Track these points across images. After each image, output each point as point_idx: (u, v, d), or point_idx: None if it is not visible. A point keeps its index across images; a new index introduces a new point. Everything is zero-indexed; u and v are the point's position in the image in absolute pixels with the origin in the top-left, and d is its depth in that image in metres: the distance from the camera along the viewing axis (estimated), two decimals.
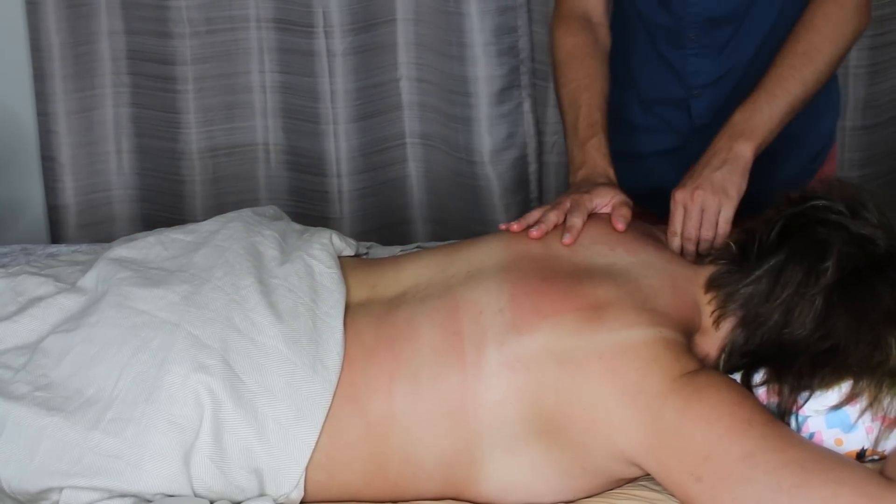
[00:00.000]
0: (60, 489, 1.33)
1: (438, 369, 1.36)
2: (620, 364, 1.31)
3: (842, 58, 1.67)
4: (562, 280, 1.40)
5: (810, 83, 1.63)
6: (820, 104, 1.76)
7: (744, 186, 1.57)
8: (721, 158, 1.57)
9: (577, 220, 1.50)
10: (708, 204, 1.55)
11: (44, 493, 1.33)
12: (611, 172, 1.63)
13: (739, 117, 1.60)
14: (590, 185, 1.58)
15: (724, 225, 1.55)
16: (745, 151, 1.58)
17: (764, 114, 1.59)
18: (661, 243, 1.53)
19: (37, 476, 1.33)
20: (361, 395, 1.37)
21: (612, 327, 1.34)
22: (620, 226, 1.50)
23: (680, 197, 1.57)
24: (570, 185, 1.62)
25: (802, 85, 1.62)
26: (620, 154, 1.68)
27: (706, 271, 1.45)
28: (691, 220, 1.56)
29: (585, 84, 1.71)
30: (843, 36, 1.65)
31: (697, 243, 1.56)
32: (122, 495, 1.32)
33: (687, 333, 1.39)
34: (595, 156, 1.63)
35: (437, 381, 1.35)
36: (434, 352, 1.37)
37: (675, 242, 1.57)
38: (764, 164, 1.63)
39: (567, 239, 1.47)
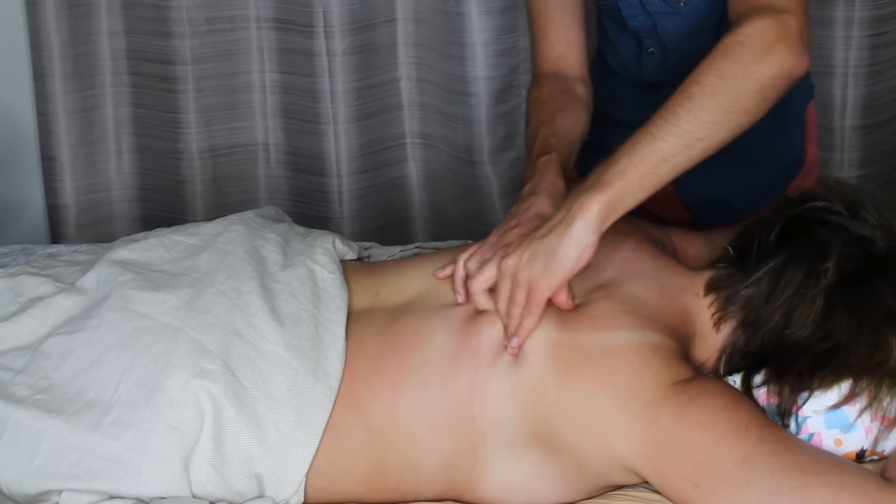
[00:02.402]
0: (60, 492, 1.33)
1: (450, 370, 1.36)
2: (610, 366, 1.32)
3: (757, 104, 1.38)
4: None
5: (695, 133, 1.36)
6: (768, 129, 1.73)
7: (575, 251, 1.36)
8: (558, 219, 1.38)
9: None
10: (529, 277, 1.37)
11: (43, 496, 1.33)
12: (557, 183, 1.55)
13: (592, 174, 1.39)
14: (526, 201, 1.53)
15: (535, 308, 1.36)
16: (589, 204, 1.35)
17: (619, 165, 1.36)
18: (657, 250, 1.53)
19: (36, 478, 1.33)
20: (364, 403, 1.37)
21: (592, 328, 1.35)
22: (568, 307, 1.39)
23: (504, 267, 1.40)
24: (518, 199, 1.59)
25: (680, 135, 1.35)
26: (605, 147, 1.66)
27: (705, 275, 1.45)
28: (501, 297, 1.39)
29: (544, 121, 1.68)
30: (749, 81, 1.37)
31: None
32: (122, 498, 1.32)
33: (680, 339, 1.39)
34: (542, 170, 1.58)
35: (446, 381, 1.36)
36: (447, 356, 1.37)
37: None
38: (736, 171, 1.58)
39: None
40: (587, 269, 1.41)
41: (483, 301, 1.41)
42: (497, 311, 1.39)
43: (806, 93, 1.84)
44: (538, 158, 1.59)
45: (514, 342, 1.36)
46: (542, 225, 1.39)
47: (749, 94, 1.37)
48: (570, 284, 1.39)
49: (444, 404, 1.35)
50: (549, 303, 1.38)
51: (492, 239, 1.48)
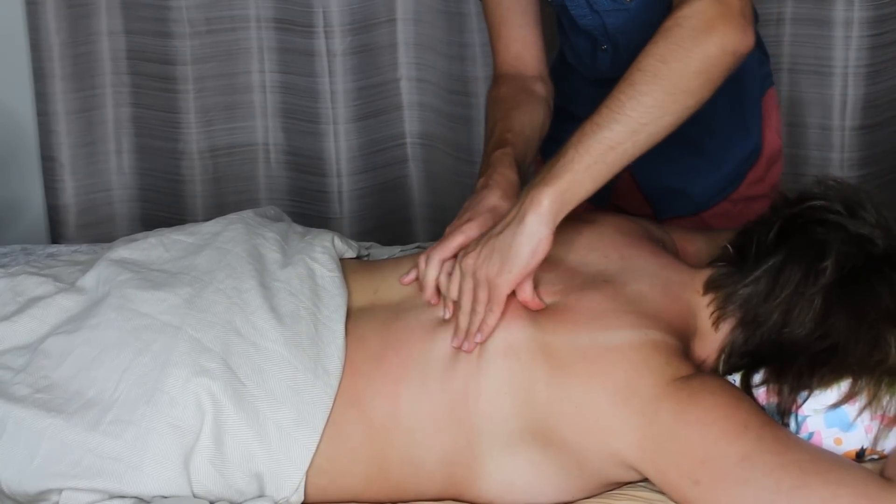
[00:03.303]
0: (60, 490, 1.33)
1: (449, 365, 1.37)
2: (607, 365, 1.32)
3: (701, 84, 1.37)
4: (548, 286, 1.42)
5: (639, 119, 1.35)
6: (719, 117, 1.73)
7: (529, 246, 1.35)
8: (511, 216, 1.38)
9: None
10: (488, 275, 1.37)
11: (43, 495, 1.33)
12: (510, 175, 1.54)
13: (543, 168, 1.38)
14: (479, 194, 1.54)
15: (497, 305, 1.36)
16: (539, 198, 1.35)
17: (567, 157, 1.36)
18: (658, 247, 1.53)
19: (36, 477, 1.33)
20: (364, 400, 1.38)
21: (591, 329, 1.35)
22: (535, 305, 1.39)
23: (464, 266, 1.40)
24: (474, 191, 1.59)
25: (625, 122, 1.34)
26: None
27: (704, 274, 1.45)
28: (464, 296, 1.39)
29: (500, 117, 1.68)
30: (691, 61, 1.35)
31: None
32: (122, 497, 1.32)
33: (682, 338, 1.39)
34: (495, 163, 1.58)
35: (445, 377, 1.36)
36: (446, 352, 1.38)
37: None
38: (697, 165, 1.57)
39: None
40: (590, 266, 1.42)
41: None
42: (460, 310, 1.39)
43: (763, 81, 1.83)
44: (493, 153, 1.60)
45: (479, 338, 1.36)
46: (498, 222, 1.39)
47: (691, 74, 1.36)
48: (537, 282, 1.40)
49: (443, 400, 1.36)
50: (549, 310, 1.38)
51: (446, 236, 1.48)
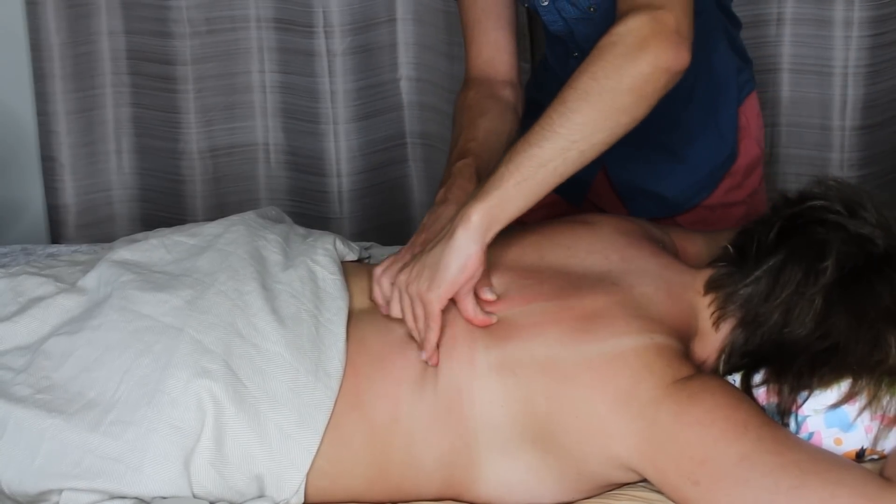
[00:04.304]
0: (60, 491, 1.33)
1: (444, 367, 1.36)
2: (610, 372, 1.32)
3: (634, 102, 1.36)
4: (549, 292, 1.41)
5: (569, 136, 1.34)
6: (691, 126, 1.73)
7: (457, 262, 1.35)
8: (443, 232, 1.38)
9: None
10: (418, 291, 1.37)
11: (44, 495, 1.33)
12: (469, 188, 1.53)
13: (481, 181, 1.39)
14: (437, 210, 1.54)
15: (432, 321, 1.36)
16: (469, 214, 1.34)
17: (498, 174, 1.35)
18: (658, 248, 1.53)
19: (37, 478, 1.33)
20: (366, 402, 1.37)
21: (600, 337, 1.34)
22: (480, 322, 1.38)
23: (398, 283, 1.40)
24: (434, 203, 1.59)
25: (555, 140, 1.34)
26: None
27: (705, 274, 1.45)
28: (405, 313, 1.39)
29: (465, 125, 1.67)
30: (623, 79, 1.34)
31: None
32: (122, 497, 1.32)
33: (684, 339, 1.39)
34: (456, 175, 1.57)
35: (439, 380, 1.36)
36: (442, 354, 1.37)
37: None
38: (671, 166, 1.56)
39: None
40: (593, 267, 1.41)
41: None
42: (409, 327, 1.39)
43: (741, 88, 1.82)
44: (455, 163, 1.59)
45: (423, 356, 1.37)
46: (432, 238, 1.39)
47: (623, 92, 1.35)
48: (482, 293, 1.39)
49: (439, 403, 1.36)
50: (557, 316, 1.37)
51: (400, 253, 1.49)
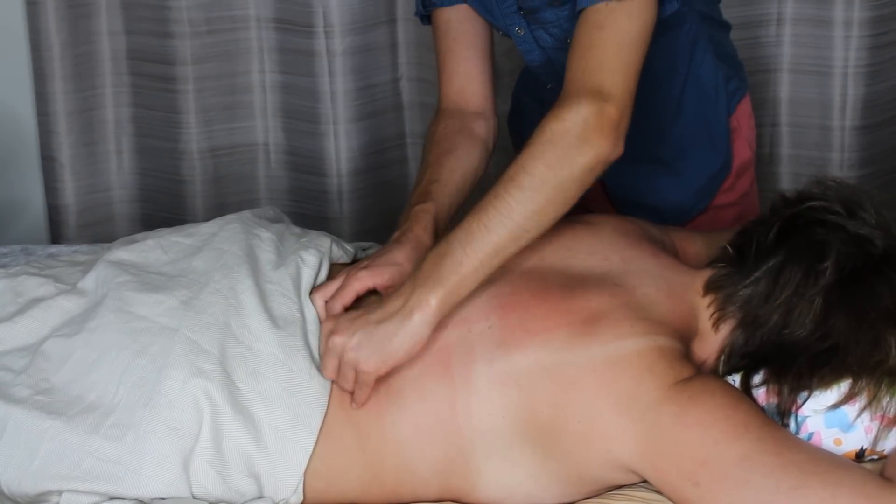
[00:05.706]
0: (60, 492, 1.33)
1: (423, 382, 1.36)
2: (614, 375, 1.32)
3: (576, 192, 1.40)
4: (553, 293, 1.40)
5: (524, 224, 1.37)
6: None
7: (409, 344, 1.35)
8: (395, 309, 1.36)
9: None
10: (357, 361, 1.36)
11: (43, 496, 1.34)
12: (423, 237, 1.54)
13: (428, 261, 1.38)
14: (388, 246, 1.54)
15: (365, 387, 1.36)
16: (427, 299, 1.35)
17: (455, 257, 1.36)
18: (658, 248, 1.53)
19: (36, 479, 1.33)
20: (353, 409, 1.38)
21: (604, 340, 1.34)
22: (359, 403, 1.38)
23: (332, 344, 1.38)
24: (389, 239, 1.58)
25: (511, 228, 1.36)
26: None
27: (704, 275, 1.45)
28: (328, 368, 1.39)
29: (431, 162, 1.66)
30: (573, 169, 1.37)
31: None
32: (122, 499, 1.32)
33: (684, 340, 1.39)
34: (413, 219, 1.57)
35: (422, 394, 1.36)
36: (419, 364, 1.37)
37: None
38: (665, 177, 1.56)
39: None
40: (594, 268, 1.41)
41: None
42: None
43: (731, 97, 1.81)
44: (414, 206, 1.59)
45: (355, 407, 1.37)
46: (376, 309, 1.37)
47: (573, 182, 1.38)
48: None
49: (427, 416, 1.35)
50: (563, 319, 1.37)
51: (344, 284, 1.47)
